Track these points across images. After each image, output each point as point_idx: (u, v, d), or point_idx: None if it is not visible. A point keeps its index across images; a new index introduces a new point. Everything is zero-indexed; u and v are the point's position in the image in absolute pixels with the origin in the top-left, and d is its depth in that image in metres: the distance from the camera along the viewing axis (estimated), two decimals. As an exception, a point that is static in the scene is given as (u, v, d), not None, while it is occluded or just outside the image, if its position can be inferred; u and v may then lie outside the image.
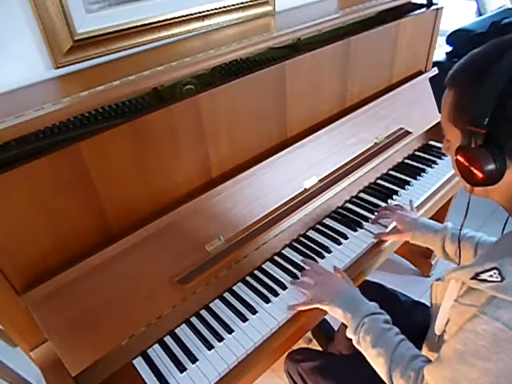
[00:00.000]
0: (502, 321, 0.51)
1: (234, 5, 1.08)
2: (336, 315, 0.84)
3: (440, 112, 0.65)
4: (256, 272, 1.05)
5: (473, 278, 0.56)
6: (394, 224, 1.12)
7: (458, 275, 0.61)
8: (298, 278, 1.01)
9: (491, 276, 0.54)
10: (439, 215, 1.48)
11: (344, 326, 0.82)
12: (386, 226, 1.13)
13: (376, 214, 1.18)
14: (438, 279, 0.72)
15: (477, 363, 0.53)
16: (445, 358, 0.59)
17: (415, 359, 0.68)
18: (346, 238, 1.12)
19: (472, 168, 0.58)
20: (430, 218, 1.35)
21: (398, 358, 0.70)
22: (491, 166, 0.56)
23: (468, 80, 0.59)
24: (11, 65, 0.78)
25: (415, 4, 1.47)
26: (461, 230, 0.80)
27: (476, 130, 0.55)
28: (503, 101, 0.53)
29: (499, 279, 0.53)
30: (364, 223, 1.16)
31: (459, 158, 0.60)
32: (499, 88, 0.53)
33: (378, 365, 0.73)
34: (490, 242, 0.89)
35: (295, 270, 1.03)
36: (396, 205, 1.17)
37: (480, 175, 0.57)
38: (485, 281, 0.54)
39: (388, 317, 0.80)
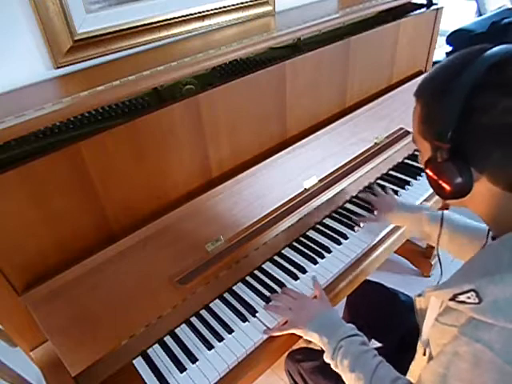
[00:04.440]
0: (483, 342, 0.49)
1: (233, 5, 1.08)
2: (313, 340, 0.82)
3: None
4: (256, 272, 1.05)
5: (451, 299, 0.55)
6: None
7: (437, 295, 0.60)
8: (298, 279, 1.01)
9: (469, 298, 0.53)
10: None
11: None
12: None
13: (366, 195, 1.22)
14: (419, 295, 0.71)
15: None
16: (425, 382, 0.58)
17: (396, 381, 0.67)
18: (346, 237, 1.12)
19: (440, 181, 0.58)
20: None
21: (377, 380, 0.69)
22: (457, 180, 0.55)
23: (432, 93, 0.58)
24: (11, 65, 0.78)
25: (415, 4, 1.47)
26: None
27: (440, 145, 0.55)
28: (466, 114, 0.52)
29: (477, 301, 0.52)
30: (364, 223, 1.16)
31: (428, 171, 0.60)
32: (461, 101, 0.52)
33: None
34: (462, 224, 0.91)
35: (295, 270, 1.03)
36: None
37: (448, 188, 0.57)
38: (463, 302, 0.53)
39: (365, 338, 0.78)
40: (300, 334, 0.85)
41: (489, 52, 0.53)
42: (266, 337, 0.89)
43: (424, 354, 0.66)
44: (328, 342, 0.78)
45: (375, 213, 1.16)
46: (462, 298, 0.54)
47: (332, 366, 0.78)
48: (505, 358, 0.48)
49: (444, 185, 0.57)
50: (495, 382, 0.49)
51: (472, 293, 0.52)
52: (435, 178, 0.58)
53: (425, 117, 0.59)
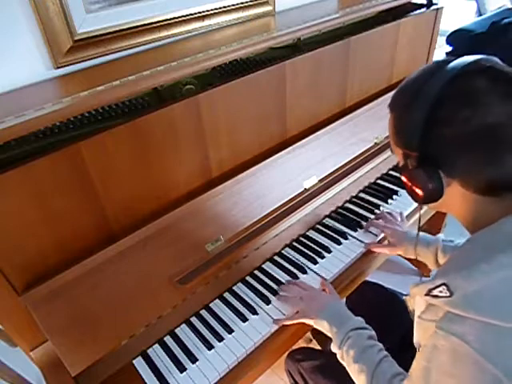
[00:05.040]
0: (457, 335, 0.51)
1: (233, 5, 1.08)
2: (322, 329, 0.84)
3: None
4: (256, 272, 1.05)
5: (427, 295, 0.57)
6: (383, 234, 1.11)
7: (416, 291, 0.62)
8: (298, 278, 1.01)
9: (441, 292, 0.55)
10: (438, 218, 1.48)
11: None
12: (377, 235, 1.11)
13: (369, 220, 1.16)
14: (407, 294, 0.72)
15: (442, 379, 0.54)
16: (413, 375, 0.60)
17: (396, 377, 0.69)
18: (346, 238, 1.12)
19: (413, 187, 0.61)
20: (430, 222, 1.35)
21: (379, 375, 0.71)
22: (428, 185, 0.58)
23: (401, 104, 0.61)
24: (11, 65, 0.78)
25: (415, 4, 1.47)
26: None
27: (408, 153, 0.59)
28: (430, 124, 0.55)
29: (448, 294, 0.54)
30: (364, 223, 1.16)
31: (402, 178, 0.63)
32: (425, 113, 0.55)
33: (360, 381, 0.73)
34: None
35: (295, 270, 1.03)
36: (388, 213, 1.15)
37: (420, 193, 0.60)
38: (437, 296, 0.55)
39: (373, 332, 0.80)
40: (310, 323, 0.87)
41: (450, 65, 0.56)
42: (268, 335, 0.89)
43: (419, 350, 0.67)
44: (337, 331, 0.80)
45: (386, 242, 1.10)
46: (435, 292, 0.56)
47: (338, 357, 0.80)
48: (479, 350, 0.49)
49: (416, 190, 0.60)
50: (473, 374, 0.50)
51: (443, 287, 0.55)
52: (409, 184, 0.62)
53: (397, 127, 0.62)
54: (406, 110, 0.59)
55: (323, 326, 0.83)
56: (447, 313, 0.53)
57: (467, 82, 0.54)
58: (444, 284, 0.55)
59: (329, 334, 0.82)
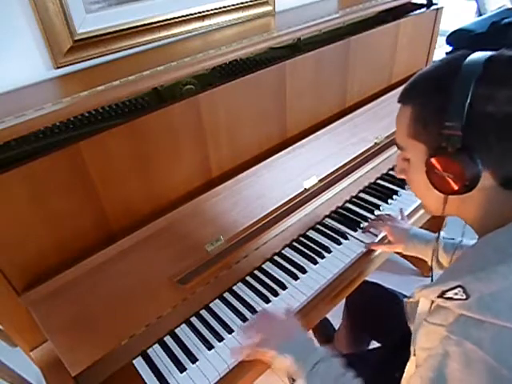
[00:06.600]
0: (472, 340, 0.49)
1: (233, 5, 1.08)
2: (282, 365, 0.74)
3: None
4: (256, 272, 1.05)
5: (439, 297, 0.55)
6: (384, 233, 1.10)
7: (425, 293, 0.60)
8: (298, 278, 1.01)
9: (456, 294, 0.52)
10: (438, 217, 1.48)
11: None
12: (377, 235, 1.12)
13: (368, 222, 1.16)
14: (409, 297, 0.71)
15: None
16: None
17: None
18: (346, 237, 1.12)
19: (448, 174, 0.56)
20: (430, 222, 1.34)
21: None
22: (470, 169, 0.53)
23: (430, 91, 0.57)
24: (11, 65, 0.78)
25: (415, 4, 1.47)
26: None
27: (453, 133, 0.53)
28: (474, 101, 0.52)
29: (464, 297, 0.51)
30: (364, 223, 1.16)
31: (435, 163, 0.57)
32: (469, 89, 0.52)
33: None
34: None
35: (295, 270, 1.03)
36: (387, 215, 1.15)
37: (459, 181, 0.55)
38: (451, 299, 0.53)
39: (341, 359, 0.74)
40: (269, 356, 0.77)
41: (477, 53, 0.55)
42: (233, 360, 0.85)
43: (414, 355, 0.66)
44: (304, 363, 0.72)
45: (386, 240, 1.10)
46: (449, 294, 0.54)
47: None
48: (494, 355, 0.47)
49: (455, 176, 0.55)
50: (485, 381, 0.48)
51: (459, 289, 0.53)
52: (442, 170, 0.56)
53: (421, 116, 0.58)
54: (440, 93, 0.55)
55: (285, 362, 0.73)
56: (460, 316, 0.51)
57: (504, 63, 0.53)
58: (460, 286, 0.53)
59: (290, 370, 0.73)
